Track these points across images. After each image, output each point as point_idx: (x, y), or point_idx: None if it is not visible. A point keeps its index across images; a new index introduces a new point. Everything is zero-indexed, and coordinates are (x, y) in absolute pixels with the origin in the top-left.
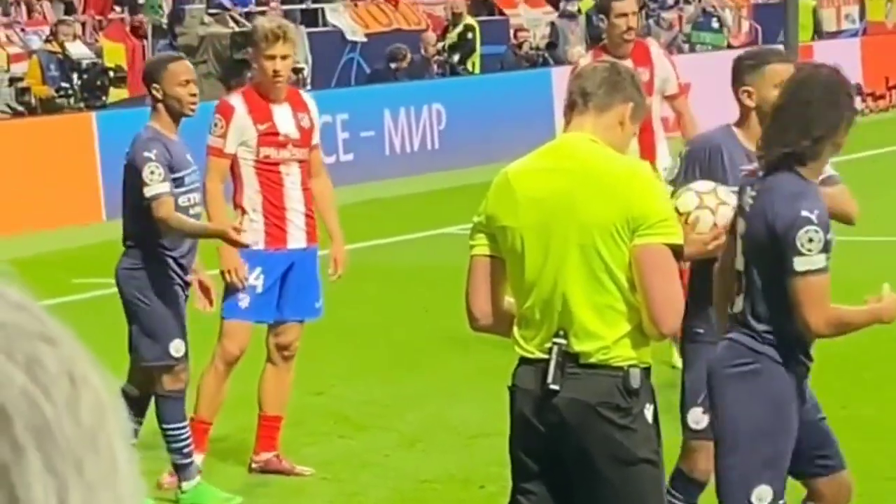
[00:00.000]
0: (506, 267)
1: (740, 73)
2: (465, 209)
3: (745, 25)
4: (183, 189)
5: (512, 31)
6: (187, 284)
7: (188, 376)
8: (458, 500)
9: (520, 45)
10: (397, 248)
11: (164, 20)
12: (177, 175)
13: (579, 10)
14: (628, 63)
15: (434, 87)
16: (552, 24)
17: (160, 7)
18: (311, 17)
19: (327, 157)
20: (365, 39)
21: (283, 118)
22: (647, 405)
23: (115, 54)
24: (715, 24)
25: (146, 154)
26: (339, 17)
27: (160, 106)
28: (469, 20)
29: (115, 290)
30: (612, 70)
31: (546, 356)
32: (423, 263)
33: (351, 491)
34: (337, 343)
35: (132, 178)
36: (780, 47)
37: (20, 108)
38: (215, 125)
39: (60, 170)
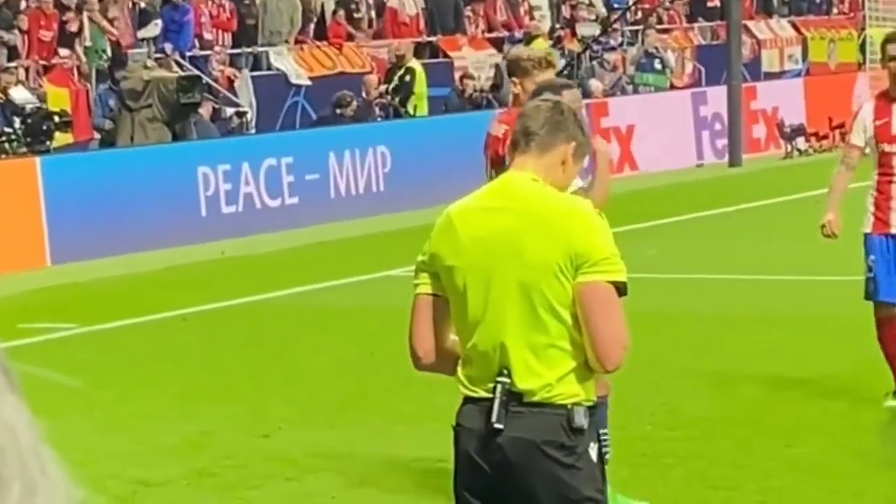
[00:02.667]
0: (449, 306)
1: None
2: (410, 251)
3: (689, 67)
4: None
5: (456, 74)
6: None
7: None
8: None
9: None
10: (343, 290)
11: (106, 64)
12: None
13: None
14: None
15: (379, 130)
16: (496, 66)
17: (103, 51)
18: (255, 61)
19: (272, 200)
20: (309, 83)
21: None
22: (592, 444)
23: (59, 99)
24: (658, 66)
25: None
26: (283, 61)
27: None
28: (411, 63)
29: (63, 333)
30: (554, 109)
31: (490, 395)
32: (368, 306)
33: None
34: (284, 386)
35: None
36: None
37: None
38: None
39: (4, 215)
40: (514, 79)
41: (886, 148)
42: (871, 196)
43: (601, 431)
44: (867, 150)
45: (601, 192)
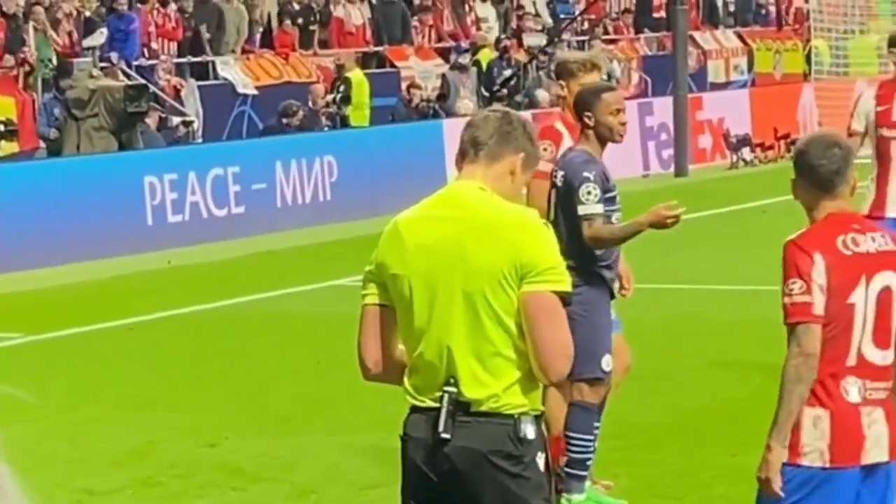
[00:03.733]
0: (396, 316)
1: None
2: (356, 261)
3: (635, 77)
4: (614, 207)
5: (403, 84)
6: (612, 296)
7: (608, 393)
8: None
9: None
10: (289, 299)
11: (52, 73)
12: (609, 195)
13: (475, 63)
14: None
15: (325, 140)
16: (443, 76)
17: (49, 60)
18: (202, 71)
19: (218, 210)
20: (256, 92)
21: None
22: (539, 453)
23: (4, 108)
24: (603, 76)
25: (585, 174)
26: (229, 71)
27: (590, 132)
28: (351, 73)
29: (8, 343)
30: (504, 119)
31: (437, 405)
32: (315, 315)
33: None
34: (230, 395)
35: (569, 199)
36: None
37: None
38: (544, 150)
39: None
40: (560, 81)
41: (885, 133)
42: (870, 181)
43: (580, 436)
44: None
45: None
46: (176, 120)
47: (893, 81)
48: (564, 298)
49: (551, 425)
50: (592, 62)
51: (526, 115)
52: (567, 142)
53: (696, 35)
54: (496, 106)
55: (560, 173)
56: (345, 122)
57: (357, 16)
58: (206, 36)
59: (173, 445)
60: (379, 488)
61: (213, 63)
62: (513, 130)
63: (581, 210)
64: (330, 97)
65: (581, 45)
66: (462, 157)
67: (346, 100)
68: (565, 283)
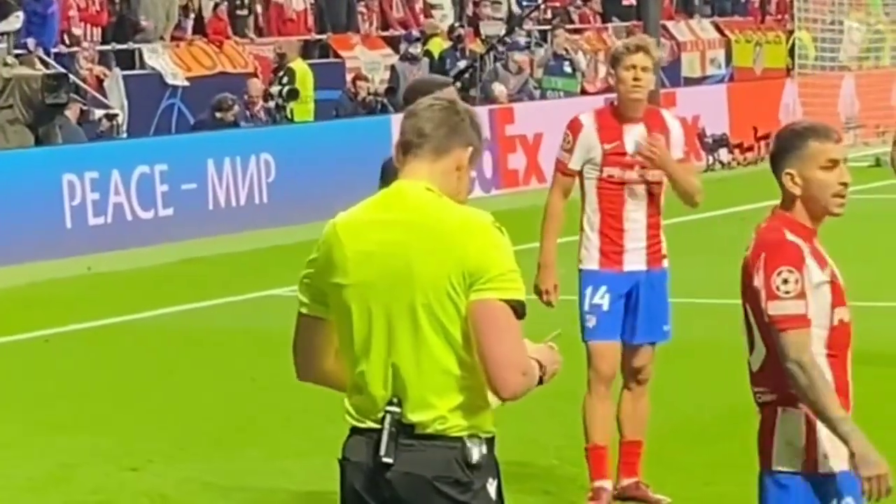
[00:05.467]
0: (335, 327)
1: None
2: (295, 269)
3: (601, 70)
4: None
5: (348, 76)
6: None
7: None
8: None
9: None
10: (221, 311)
11: None
12: None
13: (426, 53)
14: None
15: (262, 136)
16: (392, 67)
17: None
18: (127, 60)
19: (144, 212)
20: (186, 83)
21: (632, 138)
22: (490, 479)
23: None
24: (568, 69)
25: None
26: (158, 60)
27: None
28: (294, 63)
29: None
30: (451, 110)
31: (378, 426)
32: (249, 328)
33: None
34: (155, 415)
35: None
36: None
37: None
38: (565, 140)
39: None
40: (611, 70)
41: None
42: None
43: None
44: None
45: None
46: (98, 113)
47: None
48: (517, 309)
49: (590, 434)
50: (637, 44)
51: (482, 110)
52: (588, 132)
53: (670, 25)
54: (441, 94)
55: None
56: (284, 117)
57: (298, 1)
58: (144, 22)
59: (93, 470)
60: None
61: (140, 51)
62: (461, 122)
63: None
64: (274, 89)
65: (543, 36)
66: (404, 150)
67: (294, 94)
68: (518, 290)
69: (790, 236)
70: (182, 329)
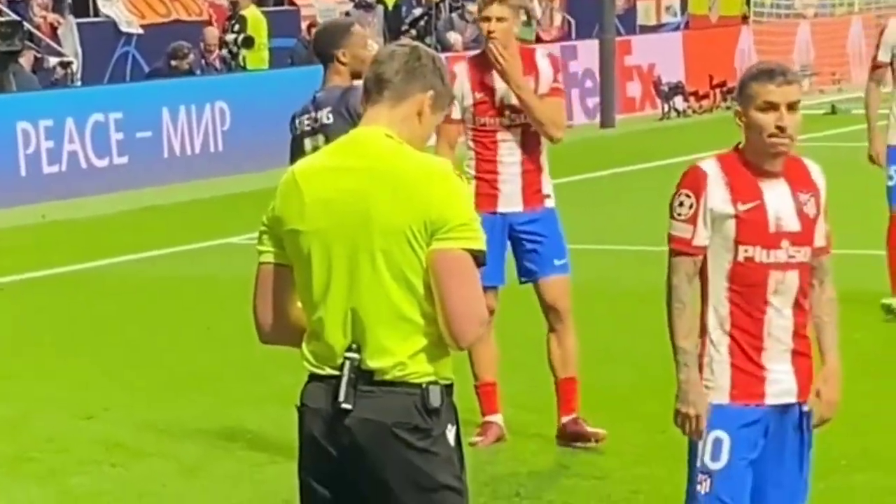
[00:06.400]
0: (294, 275)
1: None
2: (252, 217)
3: (558, 18)
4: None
5: (303, 23)
6: None
7: None
8: None
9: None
10: (177, 259)
11: None
12: None
13: (381, 1)
14: None
15: (217, 84)
16: (347, 14)
17: None
18: (81, 7)
19: (99, 160)
20: (141, 31)
21: (502, 86)
22: (450, 426)
23: None
24: (523, 17)
25: None
26: (112, 7)
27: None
28: (247, 10)
29: None
30: (412, 55)
31: (337, 373)
32: (205, 276)
33: None
34: (110, 362)
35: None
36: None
37: None
38: None
39: None
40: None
41: None
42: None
43: None
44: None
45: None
46: (53, 60)
47: None
48: (478, 257)
49: (477, 373)
50: None
51: None
52: (462, 81)
53: None
54: (404, 40)
55: None
56: (239, 65)
57: None
58: None
59: (48, 418)
60: (274, 464)
61: None
62: (421, 66)
63: None
64: (228, 37)
65: None
66: (366, 97)
67: (249, 42)
68: (479, 240)
69: (706, 164)
70: (137, 277)
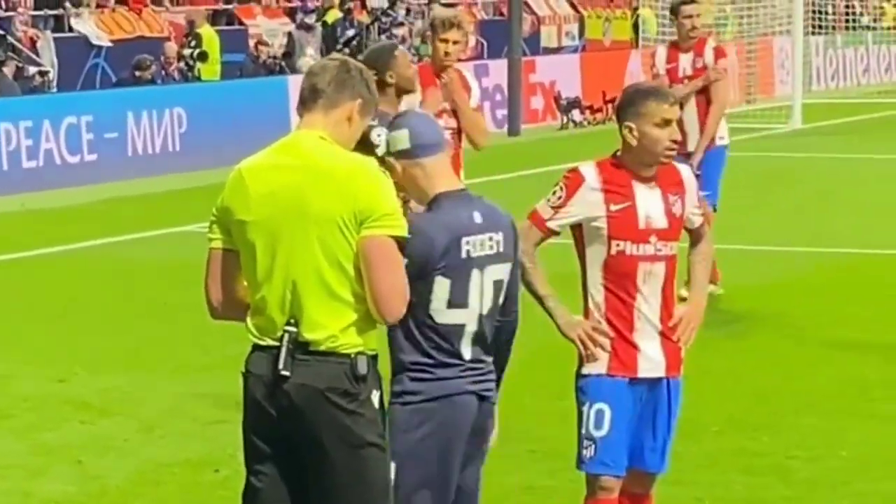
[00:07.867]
0: (240, 259)
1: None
2: (204, 208)
3: (472, 40)
4: None
5: (251, 41)
6: None
7: None
8: (194, 483)
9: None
10: (139, 244)
11: None
12: None
13: (323, 23)
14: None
15: (176, 92)
16: (289, 34)
17: None
18: (58, 24)
19: (72, 157)
20: (110, 45)
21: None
22: (374, 391)
23: None
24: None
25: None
26: (84, 24)
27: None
28: (202, 29)
29: None
30: (342, 68)
31: (277, 344)
32: (163, 259)
33: (92, 474)
34: (79, 333)
35: None
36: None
37: None
38: None
39: None
40: (428, 34)
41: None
42: None
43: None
44: None
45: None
46: (32, 70)
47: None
48: (401, 243)
49: None
50: (452, 21)
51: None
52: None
53: (531, 1)
54: (335, 55)
55: None
56: (194, 77)
57: None
58: None
59: (25, 380)
60: (222, 424)
61: (69, 16)
62: (350, 78)
63: None
64: (186, 52)
65: (422, 10)
66: (303, 105)
67: (204, 56)
68: (402, 228)
69: (586, 169)
70: (104, 260)
